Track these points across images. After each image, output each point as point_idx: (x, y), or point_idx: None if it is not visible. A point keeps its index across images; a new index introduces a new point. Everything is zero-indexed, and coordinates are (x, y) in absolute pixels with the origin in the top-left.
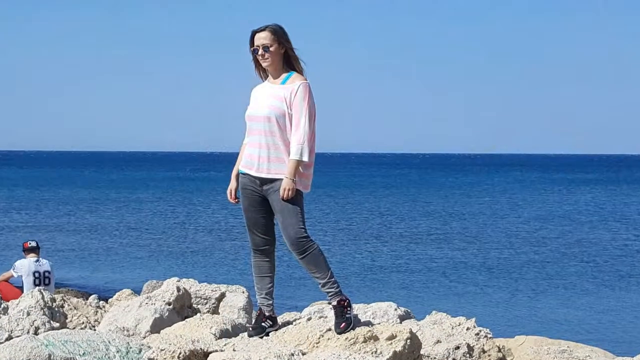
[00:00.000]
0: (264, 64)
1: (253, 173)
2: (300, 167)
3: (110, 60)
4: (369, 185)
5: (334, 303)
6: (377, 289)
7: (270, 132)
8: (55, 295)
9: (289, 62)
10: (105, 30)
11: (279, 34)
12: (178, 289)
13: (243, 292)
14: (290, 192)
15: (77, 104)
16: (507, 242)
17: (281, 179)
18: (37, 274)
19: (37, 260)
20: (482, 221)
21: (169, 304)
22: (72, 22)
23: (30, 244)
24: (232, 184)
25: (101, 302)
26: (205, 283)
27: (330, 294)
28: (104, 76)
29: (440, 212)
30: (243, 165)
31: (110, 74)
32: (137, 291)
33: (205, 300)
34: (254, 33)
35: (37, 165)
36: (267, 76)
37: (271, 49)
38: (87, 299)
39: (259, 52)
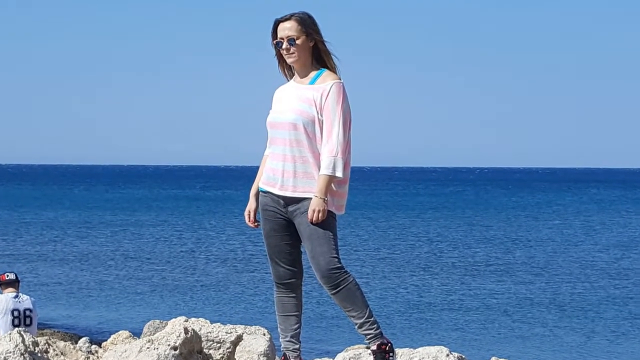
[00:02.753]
0: (289, 60)
1: (276, 191)
2: (332, 184)
3: (101, 57)
4: (416, 206)
5: (374, 347)
6: (425, 331)
7: (297, 141)
8: (38, 338)
9: (319, 57)
10: (96, 25)
11: (307, 24)
12: (186, 331)
13: (264, 335)
14: (320, 214)
15: (63, 109)
16: (581, 274)
17: (310, 199)
18: (16, 313)
19: (16, 296)
20: (551, 249)
21: (175, 348)
22: (58, 17)
23: (7, 276)
24: (251, 205)
25: (93, 346)
26: (219, 323)
27: (368, 337)
28: (95, 76)
29: (502, 238)
30: (264, 181)
31: (102, 74)
32: (136, 333)
33: (219, 344)
34: (277, 23)
35: (16, 182)
36: (293, 75)
37: (297, 41)
38: (76, 342)
39: (283, 46)
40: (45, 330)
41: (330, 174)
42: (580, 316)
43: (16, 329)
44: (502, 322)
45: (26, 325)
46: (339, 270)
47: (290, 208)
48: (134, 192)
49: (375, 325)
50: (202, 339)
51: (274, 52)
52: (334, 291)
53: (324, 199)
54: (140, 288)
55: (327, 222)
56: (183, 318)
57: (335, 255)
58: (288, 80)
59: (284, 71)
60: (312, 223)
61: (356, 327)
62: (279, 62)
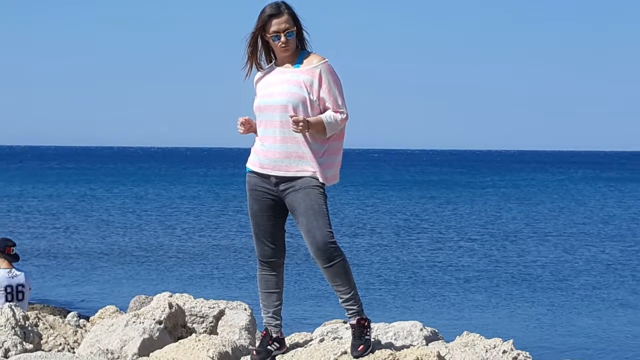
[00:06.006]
0: (285, 53)
1: (268, 172)
2: (325, 142)
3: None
4: (396, 183)
5: (353, 322)
6: (399, 306)
7: (288, 123)
8: (29, 312)
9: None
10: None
11: (294, 14)
12: (170, 306)
13: (245, 310)
14: (301, 123)
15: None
16: (556, 244)
17: (303, 177)
18: (9, 289)
19: (9, 271)
20: (522, 224)
21: (160, 322)
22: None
23: (13, 251)
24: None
25: (81, 320)
26: (202, 298)
27: (351, 312)
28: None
29: (480, 213)
30: (253, 163)
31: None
32: (123, 308)
33: (202, 319)
34: (268, 16)
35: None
36: (271, 61)
37: (295, 33)
38: (65, 316)
39: (282, 39)
40: (35, 305)
41: (330, 120)
42: (549, 288)
43: (7, 303)
44: (473, 297)
45: (18, 300)
46: (334, 245)
47: (282, 187)
48: (126, 167)
49: (360, 302)
50: (186, 313)
51: (248, 40)
52: (328, 265)
53: (309, 126)
54: (127, 264)
55: (321, 198)
56: (168, 293)
57: (331, 230)
58: (258, 70)
59: (255, 60)
60: (293, 125)
61: (341, 301)
62: (252, 52)
